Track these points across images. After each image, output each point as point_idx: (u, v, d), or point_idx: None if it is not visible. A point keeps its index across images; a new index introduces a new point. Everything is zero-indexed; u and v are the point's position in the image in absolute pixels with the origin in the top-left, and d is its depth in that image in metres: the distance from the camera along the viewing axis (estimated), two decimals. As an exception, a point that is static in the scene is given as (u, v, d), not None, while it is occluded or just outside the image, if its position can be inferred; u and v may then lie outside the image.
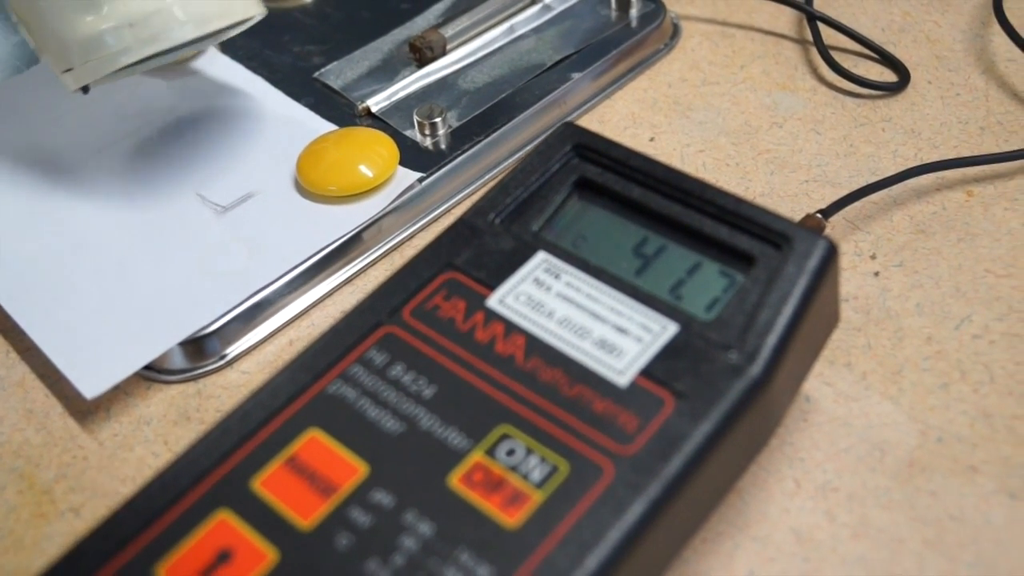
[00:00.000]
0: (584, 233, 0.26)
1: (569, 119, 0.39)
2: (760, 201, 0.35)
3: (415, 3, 0.43)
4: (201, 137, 0.37)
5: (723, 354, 0.23)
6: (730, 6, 0.44)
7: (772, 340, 0.23)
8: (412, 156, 0.36)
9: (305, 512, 0.22)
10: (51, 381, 0.31)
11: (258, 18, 0.33)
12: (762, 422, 0.24)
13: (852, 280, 0.32)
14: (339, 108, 0.38)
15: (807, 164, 0.36)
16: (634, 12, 0.42)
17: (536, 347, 0.24)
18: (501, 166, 0.37)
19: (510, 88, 0.39)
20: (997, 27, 0.40)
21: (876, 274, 0.32)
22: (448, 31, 0.40)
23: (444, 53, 0.40)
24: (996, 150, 0.36)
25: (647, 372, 0.23)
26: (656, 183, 0.26)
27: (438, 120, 0.36)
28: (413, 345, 0.24)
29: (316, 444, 0.23)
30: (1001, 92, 0.39)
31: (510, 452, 0.22)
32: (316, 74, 0.40)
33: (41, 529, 0.28)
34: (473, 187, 0.37)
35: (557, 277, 0.25)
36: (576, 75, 0.39)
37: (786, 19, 0.43)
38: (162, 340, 0.30)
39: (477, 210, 0.27)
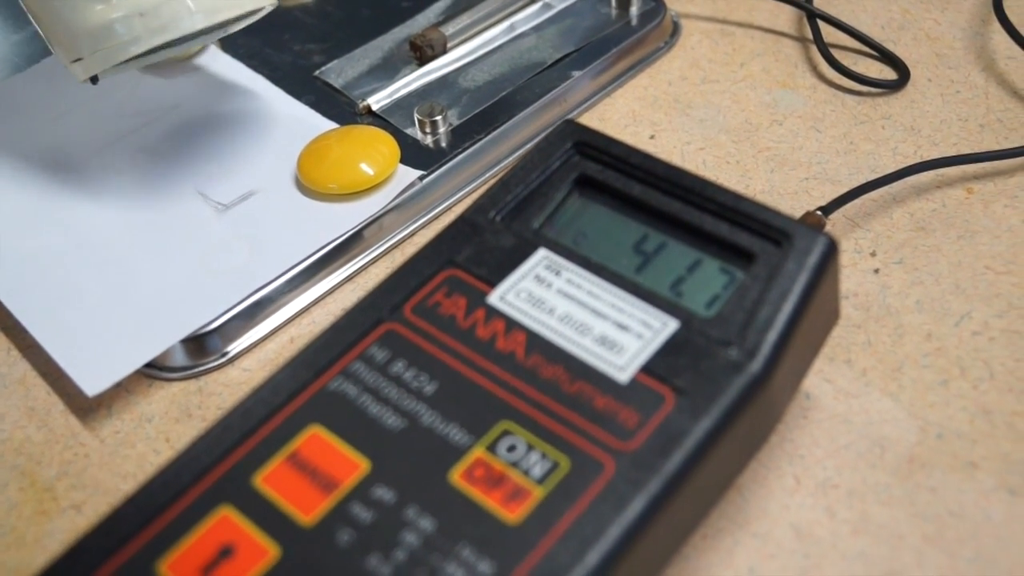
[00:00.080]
0: (585, 230, 0.27)
1: (569, 117, 0.39)
2: (760, 199, 0.35)
3: (415, 1, 0.43)
4: (202, 135, 0.37)
5: (723, 351, 0.23)
6: (730, 4, 0.44)
7: (772, 337, 0.23)
8: (413, 154, 0.36)
9: (307, 508, 0.22)
10: (53, 379, 0.31)
11: (268, 9, 0.33)
12: (762, 418, 0.24)
13: (852, 277, 0.32)
14: (340, 106, 0.38)
15: (807, 162, 0.37)
16: (634, 10, 0.42)
17: (537, 344, 0.24)
18: (502, 164, 0.37)
19: (510, 86, 0.39)
20: (997, 25, 0.40)
21: (876, 271, 0.32)
22: (448, 29, 0.40)
23: (445, 51, 0.40)
24: (996, 147, 0.36)
25: (647, 369, 0.23)
26: (656, 180, 0.26)
27: (439, 118, 0.37)
28: (414, 342, 0.24)
29: (318, 440, 0.23)
30: (1001, 90, 0.39)
31: (511, 448, 0.22)
32: (317, 72, 0.40)
33: (43, 526, 0.28)
34: (474, 185, 0.37)
35: (558, 274, 0.25)
36: (576, 73, 0.39)
37: (786, 17, 0.43)
38: (163, 338, 0.30)
39: (478, 207, 0.27)
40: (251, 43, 0.41)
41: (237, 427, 0.23)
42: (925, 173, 0.35)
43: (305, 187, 0.35)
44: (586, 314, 0.24)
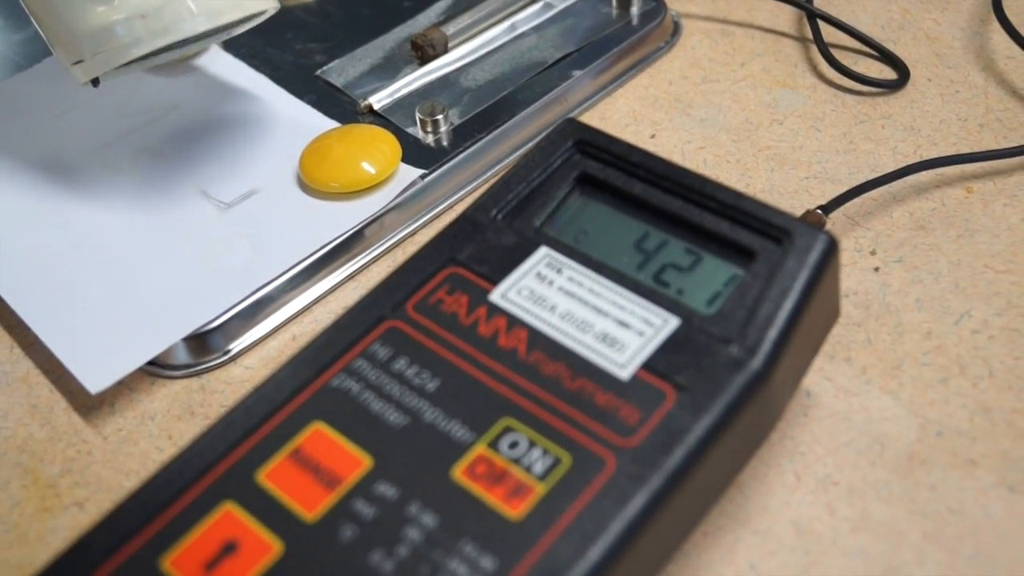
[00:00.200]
0: (586, 228, 0.27)
1: (570, 116, 0.39)
2: (760, 197, 0.35)
3: (417, 1, 0.43)
4: (204, 134, 0.38)
5: (724, 348, 0.23)
6: (730, 4, 0.44)
7: (773, 334, 0.23)
8: (414, 153, 0.36)
9: (310, 504, 0.22)
10: (55, 376, 0.31)
11: (271, 12, 0.33)
12: (763, 415, 0.24)
13: (852, 275, 0.32)
14: (341, 105, 0.38)
15: (807, 161, 0.37)
16: (635, 10, 0.42)
17: (538, 341, 0.24)
18: (503, 163, 0.38)
19: (511, 86, 0.39)
20: (996, 25, 0.40)
21: (876, 270, 0.32)
22: (449, 29, 0.40)
23: (446, 51, 0.40)
24: (995, 147, 0.36)
25: (648, 366, 0.23)
26: (657, 178, 0.26)
27: (440, 117, 0.37)
28: (416, 339, 0.24)
29: (320, 437, 0.23)
30: (1000, 89, 0.39)
31: (513, 445, 0.22)
32: (318, 72, 0.40)
33: (45, 523, 0.28)
34: (475, 184, 0.37)
35: (559, 272, 0.25)
36: (577, 73, 0.39)
37: (786, 17, 0.43)
38: (166, 336, 0.31)
39: (479, 206, 0.27)
40: (253, 42, 0.42)
41: (240, 424, 0.23)
42: (925, 172, 0.35)
43: (307, 186, 0.35)
44: (587, 311, 0.24)
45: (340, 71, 0.40)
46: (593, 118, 0.39)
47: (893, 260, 0.33)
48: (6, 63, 0.42)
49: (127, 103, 0.39)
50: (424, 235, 0.35)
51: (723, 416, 0.22)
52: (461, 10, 0.41)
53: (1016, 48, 0.40)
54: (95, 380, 0.29)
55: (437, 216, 0.36)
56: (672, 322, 0.24)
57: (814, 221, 0.32)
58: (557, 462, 0.22)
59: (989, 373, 0.29)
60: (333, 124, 0.37)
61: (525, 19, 0.42)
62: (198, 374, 0.31)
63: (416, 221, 0.36)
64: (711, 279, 0.25)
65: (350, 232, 0.34)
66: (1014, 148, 0.35)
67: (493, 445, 0.22)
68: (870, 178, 0.34)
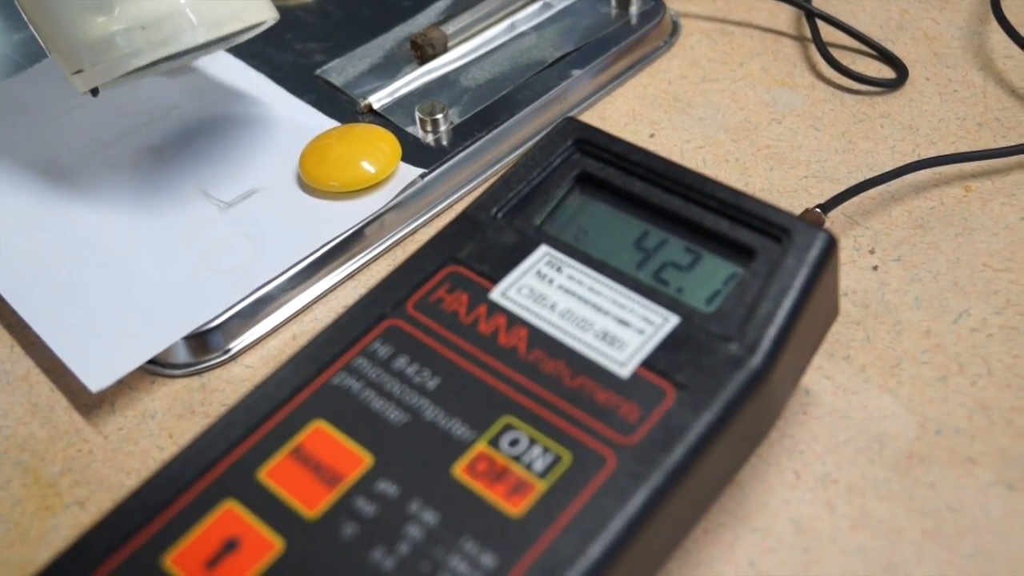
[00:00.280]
0: (586, 227, 0.27)
1: (570, 115, 0.39)
2: (760, 197, 0.35)
3: (416, 1, 0.43)
4: (204, 134, 0.38)
5: (724, 346, 0.23)
6: (729, 4, 0.44)
7: (772, 332, 0.23)
8: (414, 152, 0.36)
9: (311, 502, 0.22)
10: (56, 375, 0.31)
11: (270, 22, 0.33)
12: (762, 413, 0.24)
13: (851, 274, 0.32)
14: (341, 105, 0.38)
15: (806, 160, 0.37)
16: (634, 10, 0.42)
17: (539, 339, 0.24)
18: (502, 162, 0.38)
19: (511, 85, 0.39)
20: (995, 24, 0.40)
21: (875, 268, 0.33)
22: (449, 28, 0.40)
23: (445, 50, 0.40)
24: (993, 146, 0.37)
25: (648, 363, 0.23)
26: (657, 177, 0.26)
27: (440, 117, 0.37)
28: (417, 337, 0.25)
29: (321, 435, 0.23)
30: (999, 88, 0.39)
31: (513, 442, 0.22)
32: (318, 71, 0.40)
33: (46, 522, 0.28)
34: (474, 183, 0.37)
35: (559, 270, 0.25)
36: (576, 72, 0.39)
37: (785, 16, 0.44)
38: (166, 335, 0.31)
39: (479, 204, 0.27)
40: (252, 42, 0.41)
41: (241, 422, 0.23)
42: (923, 171, 0.35)
43: (307, 185, 0.35)
44: (587, 310, 0.25)
45: (340, 71, 0.40)
46: (592, 117, 0.39)
47: (892, 259, 0.33)
48: (6, 63, 0.42)
49: (127, 103, 0.39)
50: (424, 234, 0.36)
51: (723, 414, 0.22)
52: (461, 9, 0.41)
53: (1014, 47, 0.40)
54: (96, 379, 0.29)
55: (437, 215, 0.36)
56: (672, 320, 0.24)
57: (813, 220, 0.32)
58: (557, 460, 0.22)
59: (988, 371, 0.29)
60: (333, 124, 0.38)
61: (524, 19, 0.42)
62: (199, 373, 0.31)
63: (416, 220, 0.36)
64: (711, 277, 0.25)
65: (350, 231, 0.34)
66: (1012, 147, 0.35)
67: (493, 443, 0.22)
68: (869, 177, 0.34)
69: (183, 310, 0.31)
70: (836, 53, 0.41)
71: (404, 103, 0.38)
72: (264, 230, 0.34)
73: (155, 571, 0.21)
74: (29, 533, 0.28)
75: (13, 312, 0.32)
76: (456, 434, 0.23)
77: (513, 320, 0.25)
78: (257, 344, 0.32)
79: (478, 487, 0.22)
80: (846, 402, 0.29)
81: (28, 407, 0.31)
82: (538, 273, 0.25)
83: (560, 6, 0.42)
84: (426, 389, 0.23)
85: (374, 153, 0.35)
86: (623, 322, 0.24)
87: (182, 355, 0.31)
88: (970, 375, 0.29)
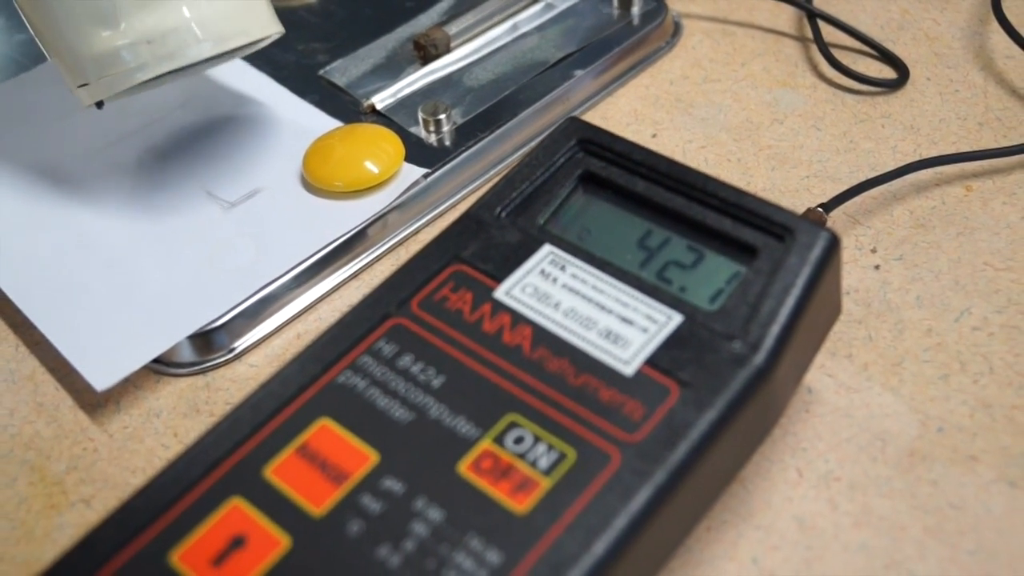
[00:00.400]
0: (589, 226, 0.27)
1: (573, 115, 0.39)
2: (762, 196, 0.35)
3: (419, 1, 0.43)
4: (208, 134, 0.38)
5: (727, 344, 0.23)
6: (731, 4, 0.45)
7: (775, 330, 0.23)
8: (417, 152, 0.36)
9: (317, 499, 0.22)
10: (61, 375, 0.32)
11: (275, 36, 0.33)
12: (765, 411, 0.24)
13: (853, 273, 0.32)
14: (344, 105, 0.39)
15: (808, 160, 0.37)
16: (636, 10, 0.42)
17: (543, 337, 0.24)
18: (505, 162, 0.38)
19: (513, 85, 0.39)
20: (995, 24, 0.41)
21: (876, 267, 0.33)
22: (452, 29, 0.40)
23: (448, 51, 0.40)
24: (994, 145, 0.37)
25: (652, 362, 0.23)
26: (660, 176, 0.27)
27: (443, 117, 0.37)
28: (421, 336, 0.25)
29: (327, 433, 0.23)
30: (999, 88, 0.39)
31: (518, 440, 0.22)
32: (321, 72, 0.40)
33: (52, 520, 0.28)
34: (477, 183, 0.37)
35: (563, 269, 0.26)
36: (579, 72, 0.40)
37: (786, 17, 0.44)
38: (171, 334, 0.31)
39: (483, 204, 0.27)
40: (255, 43, 0.42)
41: (247, 420, 0.23)
42: (924, 171, 0.35)
43: (310, 185, 0.35)
44: (591, 308, 0.25)
45: (343, 71, 0.40)
46: (595, 118, 0.39)
47: (893, 258, 0.33)
48: (9, 64, 0.43)
49: (130, 104, 0.39)
50: (427, 234, 0.36)
51: (726, 411, 0.23)
52: (463, 10, 0.41)
53: (1015, 48, 0.40)
54: (101, 378, 0.29)
55: (440, 215, 0.36)
56: (675, 319, 0.24)
57: (815, 219, 0.32)
58: (562, 457, 0.22)
59: (989, 370, 0.29)
60: (336, 124, 0.38)
61: (527, 19, 0.42)
62: (203, 372, 0.31)
63: (419, 220, 0.36)
64: (714, 276, 0.25)
65: (353, 231, 0.34)
66: (1013, 147, 0.35)
67: (498, 440, 0.22)
68: (870, 177, 0.34)
69: (188, 309, 0.31)
70: (837, 53, 0.41)
71: (407, 103, 0.38)
72: (268, 230, 0.34)
73: (162, 568, 0.21)
74: (35, 531, 0.28)
75: (18, 312, 0.32)
76: (461, 432, 0.23)
77: (517, 319, 0.25)
78: (261, 343, 0.32)
79: (483, 484, 0.22)
80: (848, 400, 0.29)
81: (34, 406, 0.31)
82: (542, 272, 0.26)
83: (562, 7, 0.42)
84: (431, 387, 0.24)
85: (377, 153, 0.35)
86: (627, 320, 0.24)
87: (187, 354, 0.31)
88: (972, 373, 0.29)
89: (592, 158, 0.28)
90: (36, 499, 0.28)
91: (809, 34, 0.42)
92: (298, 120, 0.38)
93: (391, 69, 0.40)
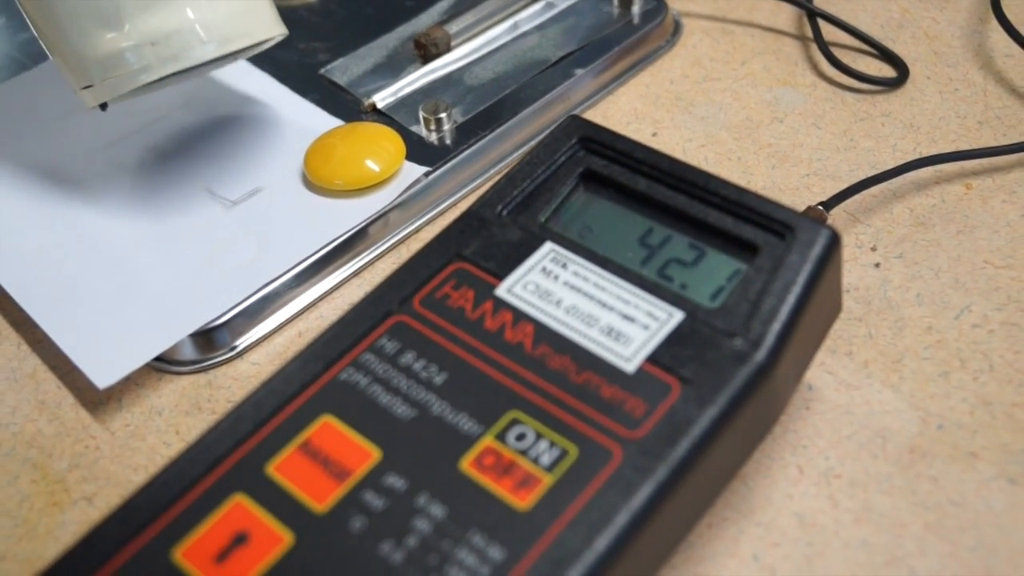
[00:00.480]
0: (590, 224, 0.27)
1: (574, 113, 0.39)
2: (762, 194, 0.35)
3: (419, 0, 0.43)
4: (209, 133, 0.38)
5: (728, 341, 0.24)
6: (731, 3, 0.45)
7: (776, 327, 0.24)
8: (418, 151, 0.36)
9: (320, 496, 0.22)
10: (63, 372, 0.32)
11: (279, 38, 0.34)
12: (766, 408, 0.24)
13: (853, 271, 0.33)
14: (345, 104, 0.39)
15: (808, 158, 0.37)
16: (636, 9, 0.42)
17: (544, 335, 0.24)
18: (505, 161, 0.38)
19: (514, 84, 0.39)
20: (995, 23, 0.41)
21: (877, 265, 0.33)
22: (452, 28, 0.40)
23: (448, 50, 0.40)
24: (994, 144, 0.37)
25: (654, 359, 0.23)
26: (661, 174, 0.27)
27: (443, 115, 0.37)
28: (423, 333, 0.25)
29: (329, 430, 0.23)
30: (999, 87, 0.39)
31: (520, 437, 0.22)
32: (322, 71, 0.40)
33: (55, 517, 0.28)
34: (478, 182, 0.37)
35: (564, 267, 0.26)
36: (579, 71, 0.40)
37: (786, 16, 0.44)
38: (173, 332, 0.31)
39: (485, 202, 0.27)
40: (256, 42, 0.42)
41: (249, 417, 0.24)
42: (924, 169, 0.35)
43: (311, 184, 0.35)
44: (592, 306, 0.25)
45: (344, 70, 0.40)
46: (595, 116, 0.40)
47: (894, 256, 0.33)
48: (11, 63, 0.43)
49: (132, 103, 0.39)
50: (428, 232, 0.36)
51: (727, 408, 0.23)
52: (463, 9, 0.41)
53: (1015, 46, 0.40)
54: (103, 376, 0.29)
55: (440, 213, 0.36)
56: (676, 316, 0.24)
57: (816, 217, 0.32)
58: (564, 454, 0.22)
59: (989, 367, 0.30)
60: (337, 122, 0.38)
61: (527, 18, 0.42)
62: (205, 370, 0.31)
63: (420, 219, 0.36)
64: (715, 273, 0.25)
65: (355, 229, 0.34)
66: (1013, 145, 0.35)
67: (500, 437, 0.23)
68: (870, 175, 0.34)
69: (189, 308, 0.31)
70: (837, 52, 0.41)
71: (408, 102, 0.39)
72: (269, 228, 0.34)
73: (165, 565, 0.21)
74: (37, 529, 0.28)
75: (20, 310, 0.32)
76: (463, 428, 0.23)
77: (519, 316, 0.25)
78: (263, 341, 0.32)
79: (485, 481, 0.22)
80: (849, 397, 0.29)
81: (35, 404, 0.31)
82: (543, 270, 0.26)
83: (562, 6, 0.43)
84: (433, 384, 0.24)
85: (378, 152, 0.35)
86: (628, 318, 0.24)
87: (188, 352, 0.31)
88: (972, 371, 0.29)
89: (593, 156, 0.28)
90: (38, 497, 0.29)
91: (809, 33, 0.42)
92: (299, 119, 0.38)
93: (392, 68, 0.40)
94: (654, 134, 0.39)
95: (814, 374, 0.30)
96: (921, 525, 0.26)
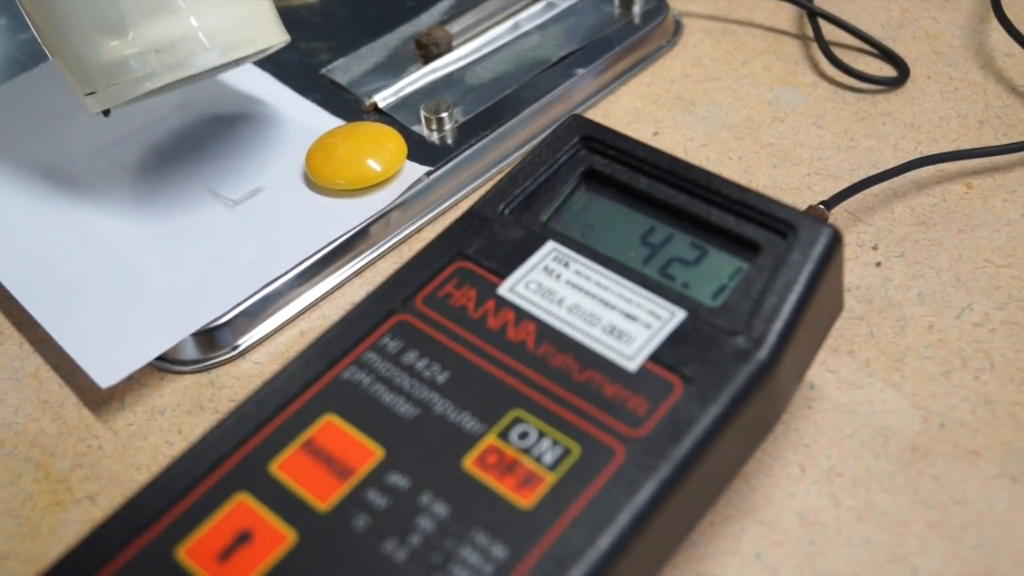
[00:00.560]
0: (592, 223, 0.27)
1: (575, 112, 0.39)
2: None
3: (420, 0, 0.43)
4: (211, 133, 0.38)
5: (730, 340, 0.24)
6: (731, 3, 0.45)
7: (778, 325, 0.24)
8: (419, 151, 0.36)
9: (323, 494, 0.22)
10: (65, 372, 0.32)
11: (281, 45, 0.34)
12: (768, 406, 0.24)
13: (854, 270, 0.33)
14: (347, 104, 0.39)
15: (809, 157, 0.37)
16: (637, 9, 0.42)
17: (547, 334, 0.24)
18: (506, 160, 0.38)
19: (515, 84, 0.39)
20: (995, 23, 0.41)
21: (878, 264, 0.33)
22: (453, 28, 0.40)
23: (450, 49, 0.40)
24: (995, 143, 0.37)
25: (656, 357, 0.24)
26: (662, 173, 0.27)
27: (445, 115, 0.37)
28: (426, 332, 0.25)
29: (332, 428, 0.23)
30: (999, 87, 0.39)
31: (523, 435, 0.23)
32: (323, 70, 0.40)
33: (58, 516, 0.28)
34: (479, 181, 0.37)
35: (566, 266, 0.26)
36: (580, 71, 0.40)
37: (787, 15, 0.44)
38: (175, 331, 0.31)
39: (487, 201, 0.27)
40: (257, 42, 0.42)
41: (252, 416, 0.24)
42: (925, 168, 0.35)
43: (313, 183, 0.35)
44: (595, 304, 0.25)
45: (345, 70, 0.40)
46: (596, 116, 0.40)
47: (895, 255, 0.33)
48: (12, 63, 0.43)
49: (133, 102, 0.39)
50: (429, 232, 0.36)
51: (730, 407, 0.23)
52: (465, 9, 0.41)
53: (1015, 46, 0.40)
54: (105, 375, 0.29)
55: (442, 213, 0.36)
56: (679, 315, 0.24)
57: (817, 216, 0.32)
58: (567, 452, 0.22)
59: (991, 366, 0.30)
60: (338, 122, 0.38)
61: (528, 18, 0.42)
62: (207, 369, 0.31)
63: (421, 218, 0.36)
64: (717, 272, 0.25)
65: (356, 229, 0.34)
66: (1013, 144, 0.35)
67: (503, 436, 0.23)
68: (871, 174, 0.34)
69: (191, 307, 0.31)
70: (838, 52, 0.41)
71: (409, 102, 0.39)
72: (271, 228, 0.34)
73: (168, 563, 0.21)
74: (40, 528, 0.28)
75: (22, 309, 0.32)
76: (466, 427, 0.23)
77: (521, 315, 0.25)
78: (265, 341, 0.32)
79: (488, 479, 0.22)
80: (850, 396, 0.29)
81: (38, 403, 0.31)
82: (545, 268, 0.26)
83: (563, 5, 0.43)
84: (436, 383, 0.24)
85: (380, 151, 0.35)
86: (630, 317, 0.24)
87: (191, 352, 0.31)
88: (973, 369, 0.30)
89: (595, 155, 0.28)
90: (41, 496, 0.29)
91: (810, 32, 0.42)
92: (300, 119, 0.38)
93: (393, 68, 0.40)
94: (655, 134, 0.39)
95: (816, 373, 0.30)
96: (923, 523, 0.26)
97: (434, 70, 0.40)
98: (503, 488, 0.22)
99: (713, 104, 0.40)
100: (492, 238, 0.27)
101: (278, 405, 0.24)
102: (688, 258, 0.26)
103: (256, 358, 0.32)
